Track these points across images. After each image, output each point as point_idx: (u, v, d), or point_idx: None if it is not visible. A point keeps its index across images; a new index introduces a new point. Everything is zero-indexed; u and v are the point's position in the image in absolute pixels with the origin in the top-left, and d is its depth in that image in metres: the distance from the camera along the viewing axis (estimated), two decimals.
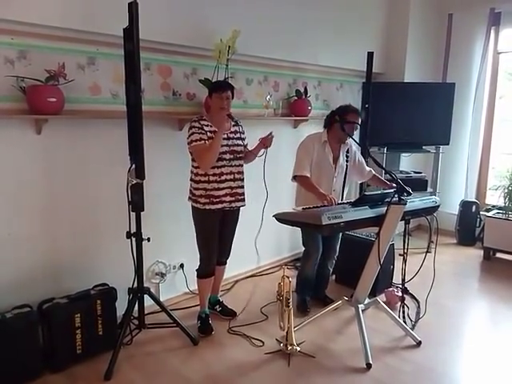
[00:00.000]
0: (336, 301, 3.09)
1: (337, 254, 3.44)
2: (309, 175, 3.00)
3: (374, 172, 3.33)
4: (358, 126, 3.14)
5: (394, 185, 2.83)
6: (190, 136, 2.75)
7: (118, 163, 2.65)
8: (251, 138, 2.98)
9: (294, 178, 3.06)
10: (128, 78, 2.41)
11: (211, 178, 2.78)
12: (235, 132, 2.88)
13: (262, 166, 2.88)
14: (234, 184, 2.86)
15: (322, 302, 3.31)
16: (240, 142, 2.89)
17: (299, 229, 3.17)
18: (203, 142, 2.71)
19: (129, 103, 2.43)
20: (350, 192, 4.46)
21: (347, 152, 3.20)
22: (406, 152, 4.92)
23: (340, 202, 2.93)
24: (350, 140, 3.14)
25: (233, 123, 2.88)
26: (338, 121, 2.97)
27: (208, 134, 2.74)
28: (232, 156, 2.83)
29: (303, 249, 3.32)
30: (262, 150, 2.91)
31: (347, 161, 3.20)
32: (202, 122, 2.76)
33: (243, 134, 2.93)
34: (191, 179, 2.87)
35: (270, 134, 2.87)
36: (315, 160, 3.05)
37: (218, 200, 2.80)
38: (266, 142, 2.88)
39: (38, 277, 2.61)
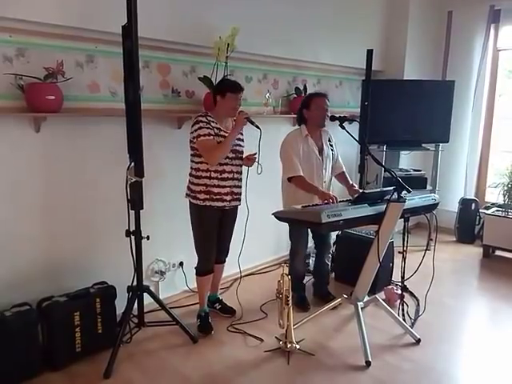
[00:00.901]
0: (335, 298, 3.09)
1: (331, 248, 3.48)
2: (302, 174, 3.00)
3: (344, 170, 3.32)
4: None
5: (360, 190, 2.89)
6: (196, 130, 2.72)
7: (117, 161, 2.65)
8: (248, 137, 2.96)
9: (289, 179, 3.05)
10: (127, 75, 2.40)
11: (213, 175, 2.78)
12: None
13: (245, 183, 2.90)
14: (233, 183, 2.86)
15: (325, 299, 3.28)
16: (241, 143, 2.91)
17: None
18: (212, 137, 2.71)
19: (128, 101, 2.43)
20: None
21: (329, 141, 3.23)
22: (405, 150, 4.92)
23: (340, 200, 2.92)
24: (328, 130, 3.19)
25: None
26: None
27: (215, 130, 2.74)
28: (234, 155, 2.83)
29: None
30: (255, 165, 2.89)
31: (332, 150, 3.23)
32: (209, 118, 2.76)
33: (242, 135, 2.94)
34: (191, 175, 2.86)
35: (255, 154, 2.84)
36: (302, 156, 3.05)
37: (218, 197, 2.80)
38: (247, 162, 2.88)
39: (37, 275, 2.60)
